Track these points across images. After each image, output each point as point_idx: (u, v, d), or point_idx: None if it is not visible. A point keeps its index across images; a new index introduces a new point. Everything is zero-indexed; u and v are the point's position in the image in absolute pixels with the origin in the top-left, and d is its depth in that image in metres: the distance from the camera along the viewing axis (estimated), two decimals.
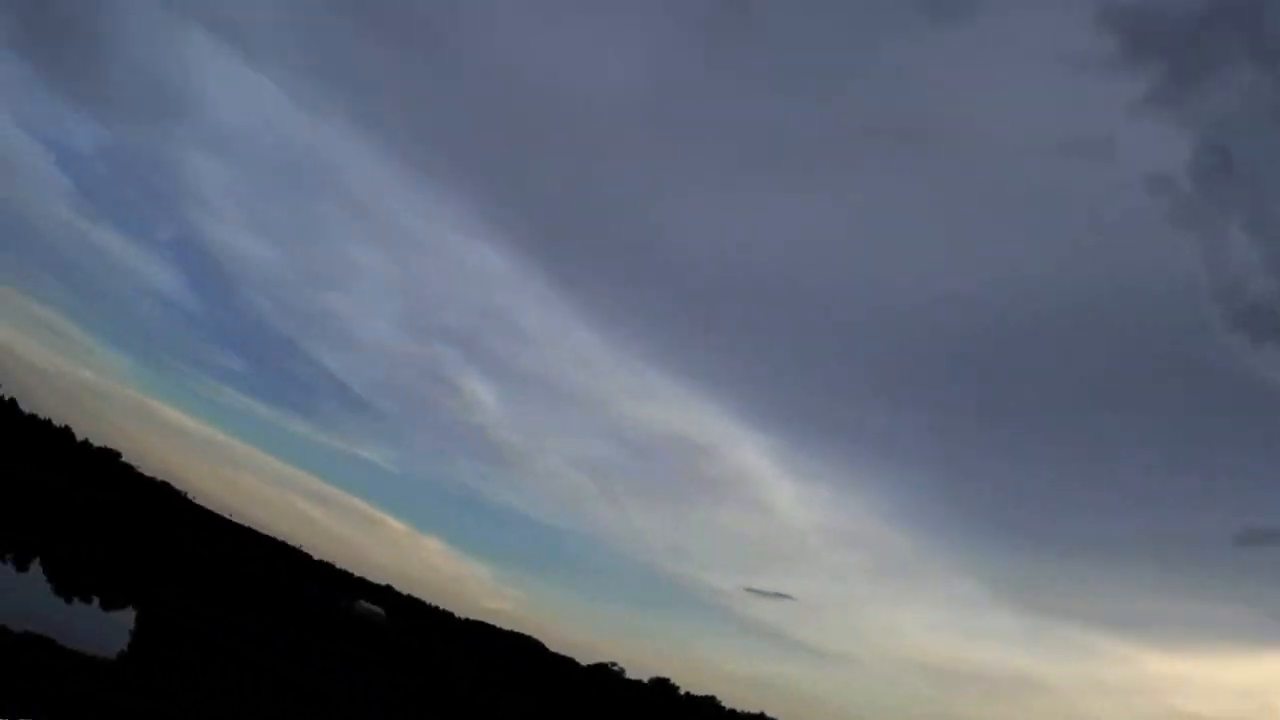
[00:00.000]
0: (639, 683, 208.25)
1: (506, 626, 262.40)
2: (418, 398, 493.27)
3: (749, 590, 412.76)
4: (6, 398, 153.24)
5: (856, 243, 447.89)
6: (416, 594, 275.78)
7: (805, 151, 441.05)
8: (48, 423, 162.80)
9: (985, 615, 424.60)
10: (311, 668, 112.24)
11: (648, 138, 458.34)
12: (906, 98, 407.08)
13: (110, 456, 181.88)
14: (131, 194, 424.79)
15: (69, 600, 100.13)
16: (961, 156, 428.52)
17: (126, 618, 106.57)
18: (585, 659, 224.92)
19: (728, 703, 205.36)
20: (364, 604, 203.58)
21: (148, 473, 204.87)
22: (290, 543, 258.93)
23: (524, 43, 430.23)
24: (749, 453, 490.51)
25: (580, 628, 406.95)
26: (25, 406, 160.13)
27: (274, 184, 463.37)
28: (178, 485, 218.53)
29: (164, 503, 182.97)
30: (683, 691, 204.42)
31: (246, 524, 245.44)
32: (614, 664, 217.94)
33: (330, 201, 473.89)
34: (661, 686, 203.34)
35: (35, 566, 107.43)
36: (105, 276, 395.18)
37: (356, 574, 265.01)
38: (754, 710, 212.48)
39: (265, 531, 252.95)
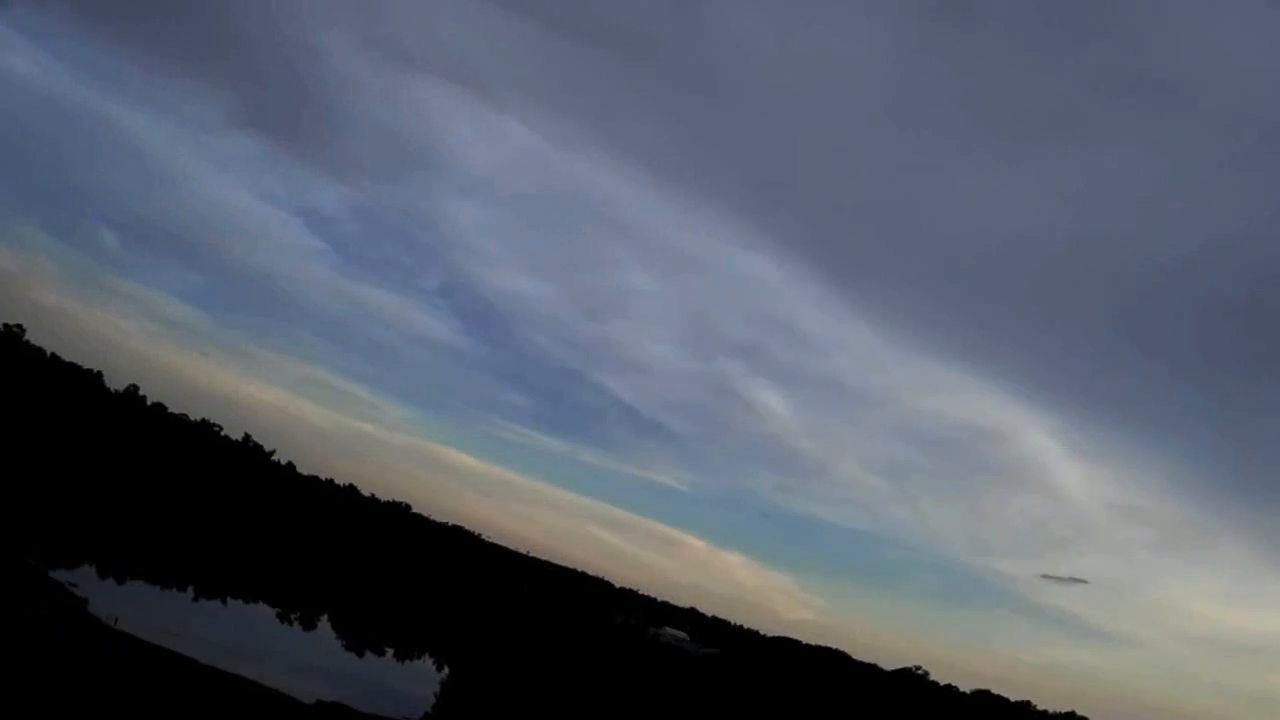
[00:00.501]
0: (949, 689, 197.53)
1: (810, 639, 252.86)
2: (708, 415, 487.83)
3: (1044, 577, 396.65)
4: (284, 461, 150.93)
5: (1114, 209, 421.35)
6: (721, 614, 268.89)
7: (1052, 121, 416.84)
8: (329, 482, 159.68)
9: (1266, 581, 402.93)
10: (626, 707, 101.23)
11: (900, 128, 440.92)
12: (1143, 51, 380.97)
13: (400, 509, 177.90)
14: (390, 248, 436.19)
15: (360, 655, 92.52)
16: (1204, 104, 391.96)
17: (425, 671, 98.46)
18: (889, 664, 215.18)
19: (1039, 702, 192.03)
20: (670, 630, 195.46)
21: (439, 519, 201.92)
22: (590, 573, 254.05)
23: (768, 51, 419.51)
24: (1036, 435, 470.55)
25: (881, 629, 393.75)
26: (304, 469, 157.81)
27: (535, 221, 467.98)
28: (470, 527, 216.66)
29: (458, 546, 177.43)
30: (995, 693, 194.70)
31: (545, 558, 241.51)
32: (918, 667, 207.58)
33: (595, 231, 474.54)
34: (983, 697, 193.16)
35: (323, 624, 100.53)
36: (374, 330, 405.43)
37: (660, 599, 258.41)
38: (1064, 709, 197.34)
39: (565, 564, 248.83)
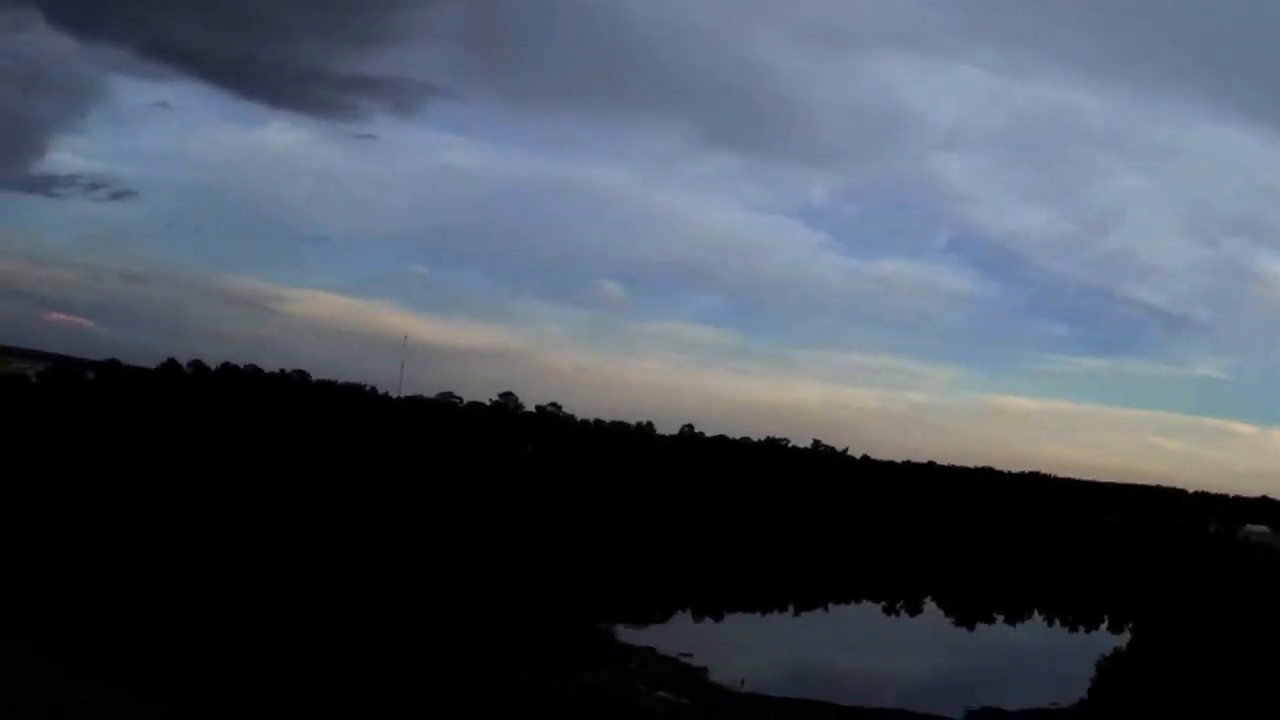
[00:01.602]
0: None
1: None
2: (1226, 297, 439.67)
3: None
4: (857, 455, 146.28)
5: None
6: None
7: None
8: (906, 463, 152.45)
9: None
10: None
11: None
12: None
13: (980, 473, 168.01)
14: (890, 219, 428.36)
15: (971, 630, 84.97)
16: None
17: (1052, 641, 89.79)
18: None
19: None
20: (1251, 528, 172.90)
21: (1013, 470, 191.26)
22: (1164, 485, 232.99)
23: None
24: None
25: None
26: (878, 455, 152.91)
27: (1017, 153, 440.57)
28: (1044, 470, 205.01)
29: (1039, 494, 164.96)
30: None
31: (1120, 481, 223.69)
32: None
33: (1074, 146, 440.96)
34: None
35: (929, 607, 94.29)
36: (898, 301, 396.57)
37: (1231, 494, 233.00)
38: None
39: (1139, 482, 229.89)
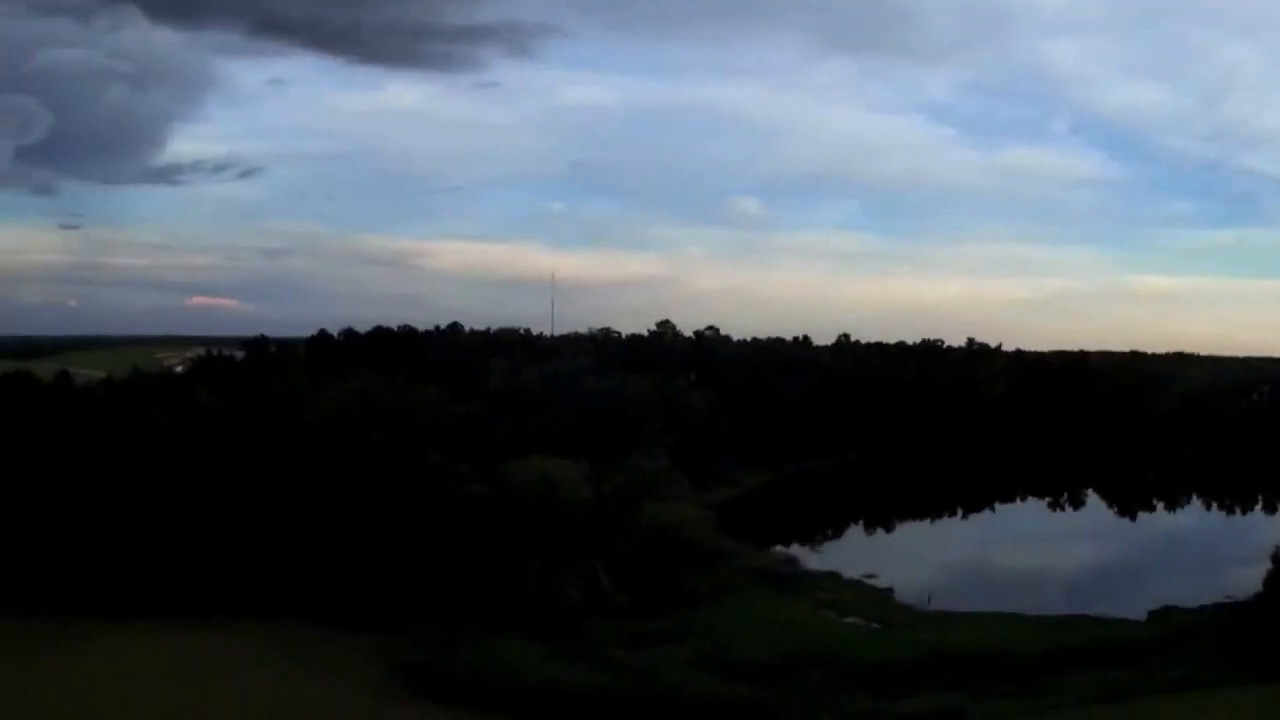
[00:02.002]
0: None
1: None
2: None
3: None
4: (1009, 348, 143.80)
5: None
6: None
7: None
8: (1056, 354, 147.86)
9: None
10: None
11: None
12: None
13: (1129, 357, 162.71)
14: (1011, 109, 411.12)
15: (1133, 519, 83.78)
16: None
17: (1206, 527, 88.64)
18: None
19: None
20: None
21: (1160, 350, 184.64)
22: None
23: None
24: None
25: None
26: (1026, 347, 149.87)
27: (1124, 31, 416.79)
28: (1190, 350, 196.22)
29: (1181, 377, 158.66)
30: None
31: (1261, 355, 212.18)
32: None
33: (1179, 18, 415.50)
34: None
35: (1092, 499, 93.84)
36: (1029, 189, 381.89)
37: None
38: None
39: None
